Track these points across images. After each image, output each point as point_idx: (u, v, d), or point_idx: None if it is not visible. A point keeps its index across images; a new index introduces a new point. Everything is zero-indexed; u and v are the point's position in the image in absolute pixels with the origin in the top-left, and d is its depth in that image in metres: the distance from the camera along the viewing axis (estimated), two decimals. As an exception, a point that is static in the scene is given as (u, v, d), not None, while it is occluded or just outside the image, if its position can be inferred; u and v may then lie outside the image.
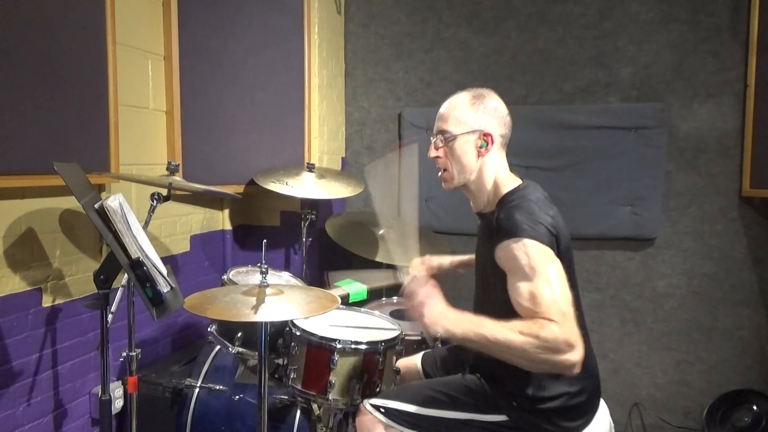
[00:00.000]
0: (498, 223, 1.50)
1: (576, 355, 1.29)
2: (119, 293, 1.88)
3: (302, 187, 2.56)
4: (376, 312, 2.11)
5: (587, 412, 1.62)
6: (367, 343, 1.75)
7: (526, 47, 2.99)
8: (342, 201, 3.26)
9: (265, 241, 1.72)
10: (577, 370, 1.31)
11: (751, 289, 2.79)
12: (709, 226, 2.82)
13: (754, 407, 2.72)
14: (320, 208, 2.96)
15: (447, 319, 1.43)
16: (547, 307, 1.33)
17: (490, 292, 1.59)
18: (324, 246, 3.02)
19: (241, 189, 2.76)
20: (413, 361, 1.98)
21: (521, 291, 1.39)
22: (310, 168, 2.66)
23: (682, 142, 2.82)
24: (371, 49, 3.23)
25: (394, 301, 2.64)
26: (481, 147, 1.61)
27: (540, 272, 1.37)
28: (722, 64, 2.74)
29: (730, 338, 2.83)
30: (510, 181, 1.63)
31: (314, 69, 2.87)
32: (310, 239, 2.92)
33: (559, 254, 1.47)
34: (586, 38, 2.91)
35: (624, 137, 2.84)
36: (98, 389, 2.21)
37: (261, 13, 2.72)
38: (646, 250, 2.91)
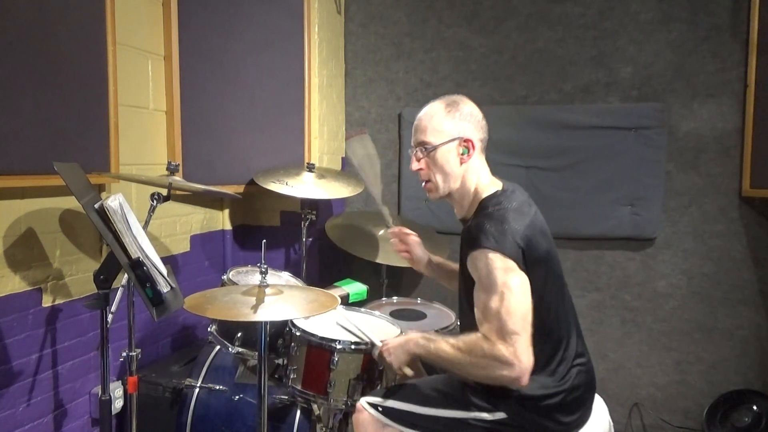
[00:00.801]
0: (469, 231, 1.54)
1: (513, 372, 1.41)
2: (119, 293, 1.89)
3: (302, 187, 2.56)
4: (376, 312, 2.11)
5: (583, 406, 1.63)
6: (368, 343, 1.75)
7: (526, 47, 2.99)
8: (342, 201, 3.26)
9: (264, 241, 1.72)
10: (520, 384, 1.44)
11: (751, 289, 2.79)
12: (709, 226, 2.82)
13: (754, 407, 2.72)
14: (320, 208, 2.96)
15: (402, 346, 1.63)
16: (489, 321, 1.45)
17: (466, 299, 1.62)
18: (324, 246, 3.02)
19: (241, 189, 2.76)
20: None
21: (477, 301, 1.50)
22: (310, 168, 2.66)
23: (682, 142, 2.83)
24: (371, 49, 3.23)
25: (394, 301, 2.64)
26: (462, 154, 1.62)
27: (495, 285, 1.44)
28: (722, 64, 2.74)
29: (730, 338, 2.83)
30: (490, 187, 1.64)
31: (314, 69, 2.87)
32: (310, 239, 2.92)
33: (531, 263, 1.49)
34: (586, 38, 2.91)
35: (624, 137, 2.84)
36: (98, 389, 2.21)
37: (261, 13, 2.72)
38: (646, 250, 2.91)
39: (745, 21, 2.68)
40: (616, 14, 2.86)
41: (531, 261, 1.49)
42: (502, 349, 1.41)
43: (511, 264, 1.45)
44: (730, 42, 2.72)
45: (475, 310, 1.51)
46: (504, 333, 1.42)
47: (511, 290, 1.43)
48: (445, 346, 1.52)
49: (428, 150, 1.64)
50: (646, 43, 2.83)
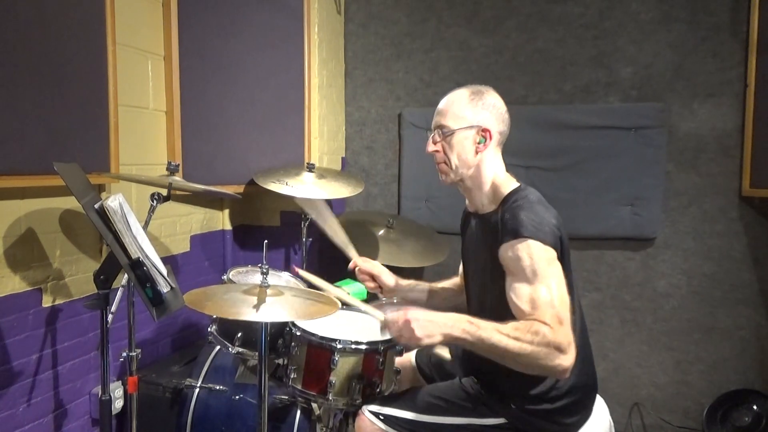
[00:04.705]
0: (503, 222, 1.50)
1: (567, 360, 1.33)
2: (119, 293, 1.88)
3: (302, 187, 2.56)
4: (378, 313, 2.10)
5: (585, 408, 1.63)
6: (368, 343, 1.75)
7: (526, 47, 2.99)
8: (342, 201, 3.26)
9: (266, 242, 1.72)
10: (567, 375, 1.36)
11: (751, 289, 2.79)
12: (709, 226, 2.82)
13: (754, 407, 2.72)
14: (320, 208, 2.96)
15: (439, 325, 1.41)
16: (543, 311, 1.36)
17: (489, 293, 1.60)
18: (324, 246, 3.01)
19: (241, 189, 2.76)
20: (407, 358, 1.99)
21: (520, 293, 1.42)
22: (310, 168, 2.66)
23: (682, 142, 2.82)
24: (371, 49, 3.23)
25: (395, 301, 2.64)
26: (479, 143, 1.61)
27: (541, 276, 1.40)
28: (722, 64, 2.74)
29: (730, 338, 2.83)
30: (509, 182, 1.63)
31: (314, 69, 2.87)
32: (310, 239, 2.92)
33: (561, 256, 1.48)
34: (586, 38, 2.91)
35: (624, 137, 2.84)
36: (98, 389, 2.21)
37: (261, 13, 2.72)
38: (646, 250, 2.91)
39: (745, 21, 2.68)
40: (616, 14, 2.86)
41: (563, 251, 1.49)
42: (562, 336, 1.33)
43: (552, 253, 1.43)
44: (730, 42, 2.72)
45: (516, 302, 1.42)
46: (561, 320, 1.35)
47: (555, 279, 1.40)
48: (496, 333, 1.36)
49: (445, 134, 1.63)
50: (646, 43, 2.83)
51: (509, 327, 1.37)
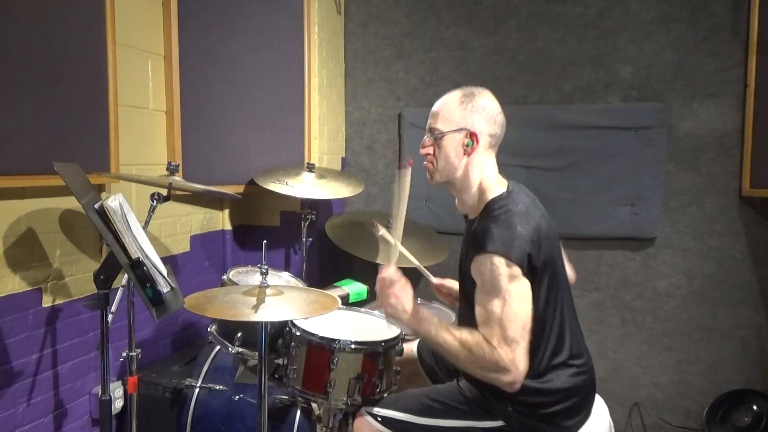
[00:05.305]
0: (475, 234, 1.54)
1: (506, 378, 1.43)
2: (119, 293, 1.89)
3: (302, 187, 2.56)
4: (376, 312, 2.11)
5: (584, 409, 1.63)
6: (367, 343, 1.75)
7: (526, 47, 2.99)
8: (342, 201, 3.26)
9: (265, 242, 1.72)
10: (512, 389, 1.46)
11: (751, 289, 2.79)
12: (709, 226, 2.82)
13: (754, 407, 2.72)
14: (320, 208, 2.96)
15: (406, 314, 1.59)
16: (491, 328, 1.45)
17: (468, 298, 1.61)
18: (324, 246, 3.02)
19: (241, 189, 2.76)
20: (409, 346, 2.00)
21: (479, 305, 1.50)
22: (310, 168, 2.66)
23: (682, 142, 2.82)
24: (371, 49, 3.23)
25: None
26: (467, 145, 1.62)
27: (498, 292, 1.45)
28: (722, 64, 2.74)
29: (730, 338, 2.83)
30: (496, 187, 1.63)
31: (314, 69, 2.87)
32: (310, 239, 2.92)
33: (537, 267, 1.50)
34: (586, 38, 2.91)
35: (624, 137, 2.84)
36: (98, 389, 2.21)
37: (261, 13, 2.72)
38: (646, 250, 2.91)
39: (745, 21, 2.68)
40: (616, 14, 2.86)
41: (537, 265, 1.49)
42: (502, 355, 1.42)
43: (516, 270, 1.45)
44: (730, 42, 2.72)
45: (477, 311, 1.51)
46: (505, 339, 1.43)
47: (513, 297, 1.44)
48: (447, 334, 1.51)
49: (436, 137, 1.65)
50: (646, 43, 2.83)
51: (461, 332, 1.49)
